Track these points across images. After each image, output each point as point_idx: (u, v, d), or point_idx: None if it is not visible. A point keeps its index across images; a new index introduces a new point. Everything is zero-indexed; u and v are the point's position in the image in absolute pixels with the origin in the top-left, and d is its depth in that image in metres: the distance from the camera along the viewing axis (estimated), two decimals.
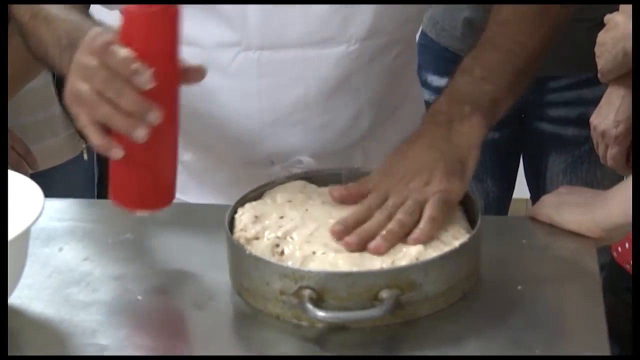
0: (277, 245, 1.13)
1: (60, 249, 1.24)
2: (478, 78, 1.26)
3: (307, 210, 1.19)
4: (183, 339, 1.09)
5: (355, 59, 1.36)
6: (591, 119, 1.73)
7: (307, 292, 1.06)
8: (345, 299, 1.06)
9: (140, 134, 1.09)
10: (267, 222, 1.17)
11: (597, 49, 1.66)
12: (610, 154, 1.69)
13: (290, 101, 1.37)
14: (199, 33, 1.34)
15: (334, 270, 1.08)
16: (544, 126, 1.97)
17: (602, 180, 1.93)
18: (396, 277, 1.07)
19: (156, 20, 1.10)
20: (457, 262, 1.12)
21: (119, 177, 1.16)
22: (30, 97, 1.84)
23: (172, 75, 1.13)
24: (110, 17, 1.31)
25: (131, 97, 1.09)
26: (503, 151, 2.03)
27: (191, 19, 1.31)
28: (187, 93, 1.36)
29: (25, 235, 1.08)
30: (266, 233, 1.15)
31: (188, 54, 1.34)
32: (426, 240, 1.12)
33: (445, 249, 1.11)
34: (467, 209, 1.22)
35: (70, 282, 1.19)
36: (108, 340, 1.09)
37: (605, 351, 1.05)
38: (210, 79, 1.30)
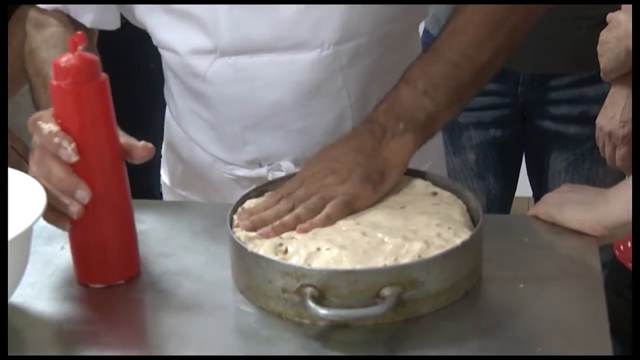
0: (281, 244, 1.13)
1: (62, 248, 1.24)
2: (420, 91, 1.24)
3: None
4: (185, 338, 1.09)
5: (330, 63, 1.35)
6: (597, 120, 1.72)
7: (309, 290, 1.06)
8: (347, 297, 1.06)
9: (73, 210, 1.10)
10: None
11: (599, 48, 1.65)
12: (619, 154, 1.69)
13: (268, 105, 1.38)
14: (176, 40, 1.37)
15: (335, 268, 1.08)
16: (546, 124, 1.96)
17: (604, 178, 1.93)
18: (398, 274, 1.07)
19: (78, 93, 1.11)
20: (459, 260, 1.11)
21: (72, 251, 1.18)
22: (30, 97, 1.84)
23: (108, 147, 1.14)
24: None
25: (58, 173, 1.10)
26: (505, 149, 2.03)
27: (169, 27, 1.36)
28: (182, 92, 1.43)
29: (27, 233, 1.08)
30: None
31: (172, 60, 1.39)
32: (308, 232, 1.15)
33: (447, 246, 1.11)
34: (469, 207, 1.22)
35: (72, 281, 1.19)
36: (109, 339, 1.09)
37: (608, 349, 1.05)
38: (194, 83, 1.37)
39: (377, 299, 1.06)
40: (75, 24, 1.43)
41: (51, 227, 1.15)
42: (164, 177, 1.63)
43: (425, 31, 1.97)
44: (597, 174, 1.95)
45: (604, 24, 1.65)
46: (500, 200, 2.08)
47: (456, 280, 1.11)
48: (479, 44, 1.26)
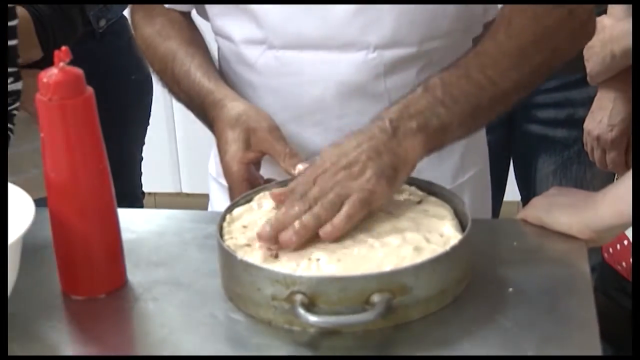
0: (270, 249, 1.14)
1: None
2: (438, 100, 1.23)
3: None
4: (175, 346, 1.09)
5: (374, 67, 1.37)
6: (585, 124, 1.73)
7: (298, 297, 1.06)
8: (337, 304, 1.06)
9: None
10: (255, 229, 1.17)
11: (585, 52, 1.66)
12: (609, 158, 1.70)
13: (309, 101, 1.40)
14: (231, 28, 1.41)
15: (324, 275, 1.09)
16: (533, 128, 1.97)
17: (592, 180, 1.93)
18: (387, 281, 1.07)
19: (64, 108, 1.11)
20: (448, 266, 1.12)
21: (57, 262, 1.19)
22: (23, 126, 1.83)
23: (94, 161, 1.14)
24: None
25: None
26: (493, 154, 2.02)
27: (227, 14, 1.41)
28: (233, 80, 1.46)
29: (17, 244, 1.08)
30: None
31: (226, 48, 1.45)
32: (337, 237, 1.14)
33: (437, 252, 1.11)
34: (457, 212, 1.22)
35: (59, 291, 1.19)
36: (99, 348, 1.10)
37: (597, 352, 1.05)
38: (243, 72, 1.42)
39: (366, 305, 1.06)
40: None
41: (39, 238, 1.15)
42: (211, 168, 1.63)
43: None
44: (585, 177, 1.95)
45: None
46: None
47: (445, 286, 1.12)
48: (503, 70, 1.27)
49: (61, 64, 1.10)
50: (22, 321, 1.12)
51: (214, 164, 1.61)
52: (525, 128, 1.98)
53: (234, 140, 1.31)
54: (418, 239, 1.14)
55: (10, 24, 1.49)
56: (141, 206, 2.42)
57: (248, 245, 1.16)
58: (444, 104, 1.24)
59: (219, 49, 1.51)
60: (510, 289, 1.16)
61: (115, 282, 1.20)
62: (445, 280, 1.11)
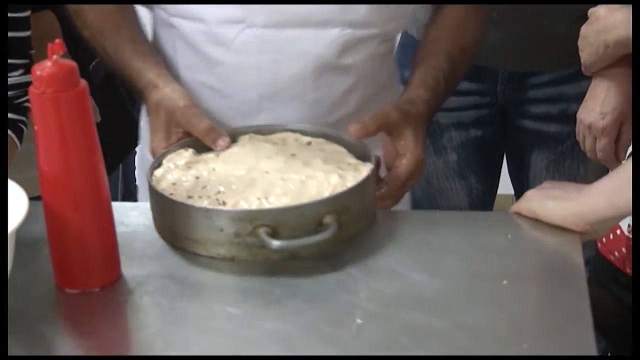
0: (217, 199, 1.25)
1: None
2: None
3: (213, 169, 1.32)
4: (169, 340, 1.09)
5: (345, 42, 1.47)
6: (578, 114, 1.74)
7: (263, 230, 1.19)
8: (295, 229, 1.20)
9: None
10: (185, 184, 1.28)
11: (580, 43, 1.66)
12: (600, 146, 1.70)
13: (288, 76, 1.48)
14: (203, 9, 1.45)
15: (284, 205, 1.22)
16: (526, 123, 1.97)
17: (586, 175, 1.93)
18: (334, 203, 1.23)
19: (58, 101, 1.11)
20: (372, 185, 1.31)
21: (51, 256, 1.19)
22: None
23: (88, 153, 1.14)
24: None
25: None
26: (486, 149, 2.03)
27: None
28: (189, 65, 1.51)
29: (11, 237, 1.08)
30: (199, 190, 1.27)
31: (192, 29, 1.48)
32: None
33: (357, 176, 1.28)
34: (346, 145, 1.38)
35: (53, 284, 1.19)
36: (94, 342, 1.09)
37: (591, 344, 1.06)
38: (214, 52, 1.47)
39: (319, 227, 1.21)
40: None
41: (33, 231, 1.14)
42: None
43: (404, 32, 1.97)
44: (578, 172, 1.95)
45: (582, 20, 1.65)
46: (482, 199, 2.08)
47: (371, 204, 1.31)
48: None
49: (55, 56, 1.10)
50: (17, 315, 1.12)
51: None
52: (519, 123, 1.98)
53: (156, 129, 1.39)
54: (335, 169, 1.29)
55: (22, 14, 1.48)
56: (135, 200, 2.41)
57: (190, 197, 1.26)
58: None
59: (169, 35, 1.53)
60: (505, 282, 1.17)
61: (110, 275, 1.20)
62: (371, 198, 1.31)
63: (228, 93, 1.51)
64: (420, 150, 1.38)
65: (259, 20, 1.44)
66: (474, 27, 1.56)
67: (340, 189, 1.25)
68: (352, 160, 1.34)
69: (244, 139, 1.40)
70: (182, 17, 1.48)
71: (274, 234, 1.19)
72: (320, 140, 1.40)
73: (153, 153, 1.39)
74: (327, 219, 1.21)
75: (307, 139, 1.41)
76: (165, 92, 1.39)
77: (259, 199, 1.24)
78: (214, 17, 1.45)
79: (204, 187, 1.28)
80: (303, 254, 1.22)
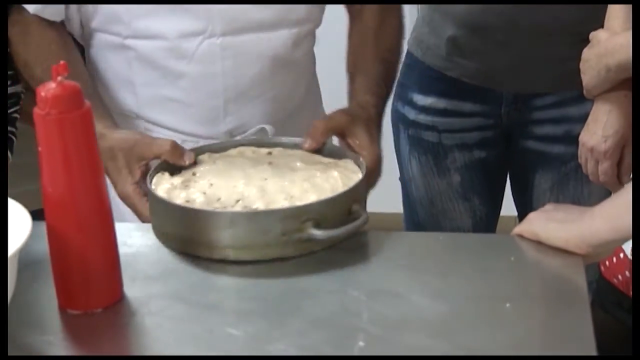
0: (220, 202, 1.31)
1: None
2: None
3: (211, 184, 1.35)
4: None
5: (293, 40, 1.61)
6: (580, 137, 1.73)
7: (309, 224, 1.26)
8: (332, 219, 1.28)
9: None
10: (200, 200, 1.31)
11: (581, 65, 1.66)
12: (602, 169, 1.70)
13: (249, 78, 1.58)
14: (162, 27, 1.52)
15: (322, 198, 1.30)
16: (530, 144, 1.97)
17: (589, 197, 1.93)
18: (356, 193, 1.33)
19: (63, 123, 1.11)
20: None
21: (54, 276, 1.19)
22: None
23: (92, 174, 1.14)
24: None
25: None
26: (490, 170, 2.03)
27: (155, 15, 1.51)
28: (148, 82, 1.55)
29: (14, 258, 1.08)
30: (216, 202, 1.31)
31: (152, 47, 1.53)
32: None
33: (353, 178, 1.36)
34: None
35: (55, 305, 1.19)
36: None
37: None
38: (176, 66, 1.53)
39: (349, 215, 1.30)
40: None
41: (36, 252, 1.15)
42: None
43: (408, 53, 1.98)
44: (582, 194, 1.95)
45: (585, 41, 1.66)
46: (486, 220, 2.08)
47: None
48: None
49: (59, 78, 1.10)
50: (19, 335, 1.12)
51: None
52: (523, 145, 1.98)
53: (118, 170, 1.42)
54: (325, 167, 1.38)
55: None
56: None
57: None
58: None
59: (125, 56, 1.55)
60: (507, 304, 1.17)
61: (112, 296, 1.20)
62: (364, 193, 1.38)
63: (192, 102, 1.57)
64: (377, 148, 1.46)
65: (218, 29, 1.53)
66: (394, 26, 1.70)
67: (345, 181, 1.34)
68: (327, 159, 1.43)
69: (204, 157, 1.43)
70: (139, 37, 1.53)
71: (318, 226, 1.26)
72: (279, 148, 1.47)
73: (123, 195, 1.41)
74: (355, 207, 1.31)
75: (264, 150, 1.47)
76: (114, 137, 1.43)
77: (285, 199, 1.31)
78: (175, 32, 1.52)
79: (218, 199, 1.31)
80: (339, 242, 1.30)
